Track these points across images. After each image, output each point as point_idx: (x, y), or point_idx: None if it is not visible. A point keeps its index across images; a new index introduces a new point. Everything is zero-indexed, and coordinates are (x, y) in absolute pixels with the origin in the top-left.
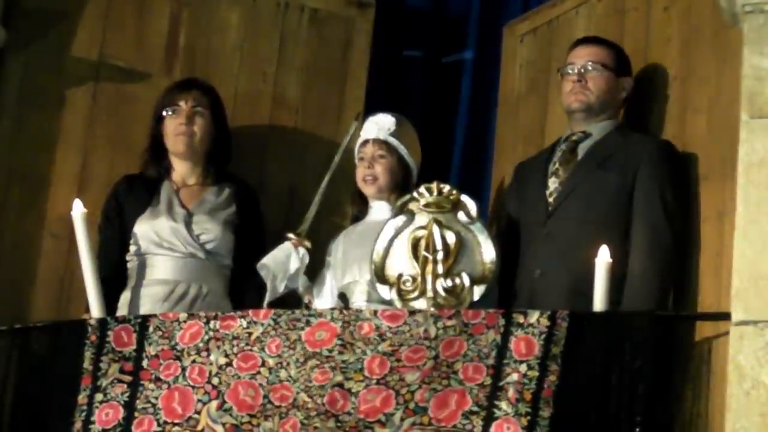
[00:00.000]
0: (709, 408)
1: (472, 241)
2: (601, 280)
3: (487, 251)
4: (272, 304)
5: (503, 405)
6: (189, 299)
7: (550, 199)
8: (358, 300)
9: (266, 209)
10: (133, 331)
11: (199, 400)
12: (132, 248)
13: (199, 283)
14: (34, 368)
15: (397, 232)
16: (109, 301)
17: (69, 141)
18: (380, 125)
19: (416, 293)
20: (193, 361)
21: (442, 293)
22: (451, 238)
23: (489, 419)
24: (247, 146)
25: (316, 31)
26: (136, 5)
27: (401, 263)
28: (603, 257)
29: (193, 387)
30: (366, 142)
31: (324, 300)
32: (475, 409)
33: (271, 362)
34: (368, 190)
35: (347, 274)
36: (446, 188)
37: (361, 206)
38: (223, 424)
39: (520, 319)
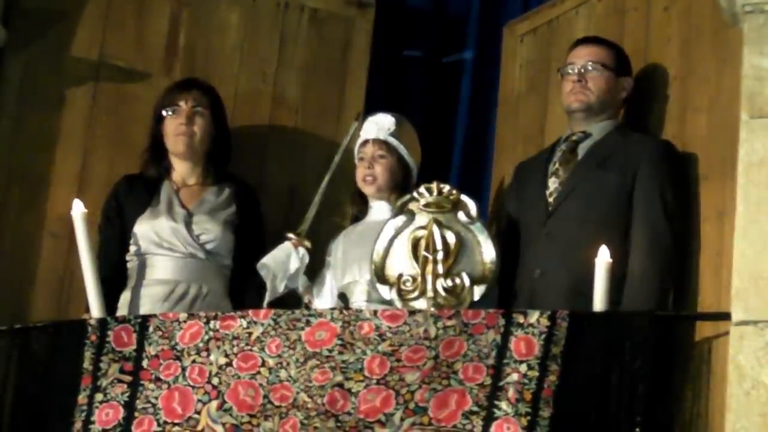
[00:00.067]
0: (709, 408)
1: (472, 241)
2: (601, 280)
3: (487, 251)
4: (272, 304)
5: (503, 405)
6: (189, 299)
7: (550, 199)
8: (358, 300)
9: (266, 209)
10: (133, 331)
11: (199, 400)
12: (132, 248)
13: (199, 283)
14: (34, 368)
15: (397, 232)
16: (109, 301)
17: (69, 141)
18: (380, 125)
19: (416, 293)
20: (193, 361)
21: (442, 293)
22: (451, 238)
23: (489, 419)
24: (247, 146)
25: (316, 30)
26: (136, 5)
27: (401, 263)
28: (603, 257)
29: (193, 387)
30: (366, 142)
31: (324, 300)
32: (475, 409)
33: (271, 362)
34: (368, 190)
35: (347, 274)
36: (446, 188)
37: (361, 206)
38: (223, 424)
39: (520, 319)
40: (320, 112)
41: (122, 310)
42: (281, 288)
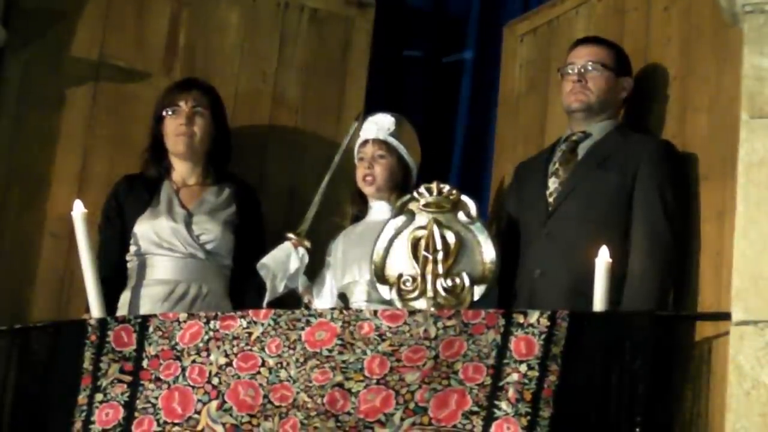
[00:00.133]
0: (709, 408)
1: (472, 241)
2: (601, 280)
3: (487, 251)
4: (272, 304)
5: (503, 405)
6: (189, 299)
7: (550, 199)
8: (358, 300)
9: (266, 209)
10: (133, 331)
11: (199, 400)
12: (132, 248)
13: (199, 283)
14: (34, 368)
15: (397, 232)
16: (109, 301)
17: (69, 141)
18: (380, 125)
19: (416, 293)
20: (193, 361)
21: (442, 293)
22: (451, 238)
23: (489, 419)
24: (247, 146)
25: (315, 30)
26: (136, 5)
27: (401, 263)
28: (603, 257)
29: (193, 387)
30: (366, 142)
31: (324, 300)
32: (475, 409)
33: (271, 362)
34: (368, 190)
35: (347, 274)
36: (446, 188)
37: (361, 206)
38: (223, 424)
39: (520, 319)
40: (320, 112)
41: (122, 310)
42: (281, 288)
